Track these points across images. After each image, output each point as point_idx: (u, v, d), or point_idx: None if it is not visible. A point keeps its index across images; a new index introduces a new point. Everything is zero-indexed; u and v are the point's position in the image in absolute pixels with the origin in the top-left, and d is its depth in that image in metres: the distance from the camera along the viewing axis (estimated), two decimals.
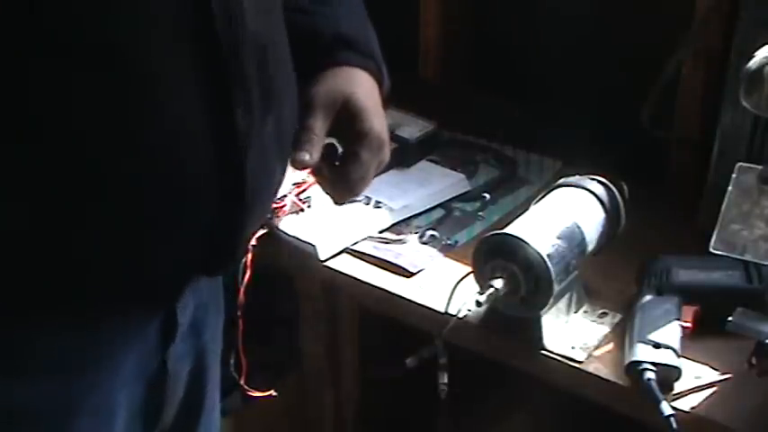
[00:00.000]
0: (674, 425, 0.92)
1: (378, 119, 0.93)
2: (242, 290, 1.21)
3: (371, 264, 1.21)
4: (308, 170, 0.97)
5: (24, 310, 0.75)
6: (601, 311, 1.10)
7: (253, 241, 1.21)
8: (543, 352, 1.05)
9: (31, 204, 0.72)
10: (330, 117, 0.91)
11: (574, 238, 1.06)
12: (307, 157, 0.88)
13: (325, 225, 1.25)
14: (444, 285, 1.15)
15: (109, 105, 0.72)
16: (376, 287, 1.17)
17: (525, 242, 1.01)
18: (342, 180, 0.92)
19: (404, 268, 1.19)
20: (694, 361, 1.02)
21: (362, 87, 0.93)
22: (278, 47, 0.85)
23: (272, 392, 1.26)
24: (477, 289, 1.04)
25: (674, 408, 0.94)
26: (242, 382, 1.23)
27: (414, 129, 1.43)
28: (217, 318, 0.98)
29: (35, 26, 0.68)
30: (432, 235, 1.25)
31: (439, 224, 1.28)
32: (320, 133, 0.90)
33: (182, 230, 0.79)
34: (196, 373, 0.93)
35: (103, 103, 0.71)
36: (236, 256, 0.89)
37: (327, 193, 0.96)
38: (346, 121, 0.91)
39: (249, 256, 1.21)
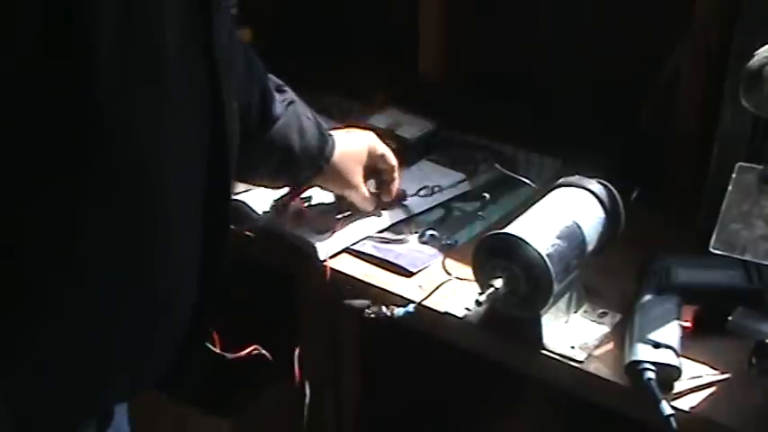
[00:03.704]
0: (674, 425, 0.92)
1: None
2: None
3: (371, 264, 1.21)
4: None
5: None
6: (601, 311, 1.10)
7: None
8: (543, 352, 1.05)
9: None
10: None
11: (574, 238, 1.06)
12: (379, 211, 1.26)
13: (325, 225, 1.25)
14: (444, 285, 1.15)
15: (134, 245, 0.80)
16: (376, 287, 1.17)
17: (525, 242, 1.01)
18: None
19: (404, 268, 1.19)
20: (694, 361, 1.02)
21: (346, 143, 1.23)
22: None
23: (246, 352, 1.25)
24: (478, 289, 1.04)
25: (674, 408, 0.94)
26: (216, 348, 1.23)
27: (414, 129, 1.43)
28: None
29: (89, 168, 0.75)
30: (432, 235, 1.25)
31: (439, 224, 1.28)
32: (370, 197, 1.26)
33: (154, 359, 0.89)
34: None
35: (129, 242, 0.80)
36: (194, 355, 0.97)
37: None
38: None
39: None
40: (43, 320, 0.77)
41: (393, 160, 1.27)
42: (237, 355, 1.21)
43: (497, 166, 1.37)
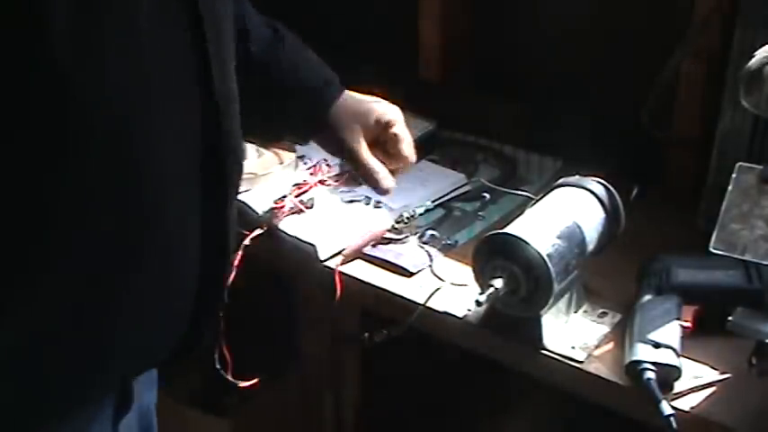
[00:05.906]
0: (674, 425, 0.92)
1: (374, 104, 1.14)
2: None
3: (371, 264, 1.21)
4: None
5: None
6: (601, 311, 1.10)
7: (247, 241, 1.21)
8: (543, 352, 1.05)
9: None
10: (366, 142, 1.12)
11: (574, 238, 1.06)
12: (391, 183, 1.13)
13: (325, 225, 1.25)
14: (444, 285, 1.15)
15: (123, 205, 0.77)
16: (376, 287, 1.17)
17: (525, 242, 1.01)
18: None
19: (404, 268, 1.19)
20: (694, 361, 1.02)
21: (352, 100, 1.14)
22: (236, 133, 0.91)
23: (256, 380, 1.25)
24: (478, 289, 1.04)
25: (674, 408, 0.94)
26: (228, 376, 1.22)
27: (414, 129, 1.43)
28: (151, 375, 1.01)
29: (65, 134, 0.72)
30: (432, 235, 1.25)
31: (439, 224, 1.28)
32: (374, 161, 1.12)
33: (161, 328, 0.86)
34: None
35: (118, 203, 0.77)
36: (200, 344, 0.94)
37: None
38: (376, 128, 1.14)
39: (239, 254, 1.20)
40: (23, 305, 0.75)
41: (403, 136, 1.15)
42: (249, 383, 1.22)
43: (486, 185, 1.36)
